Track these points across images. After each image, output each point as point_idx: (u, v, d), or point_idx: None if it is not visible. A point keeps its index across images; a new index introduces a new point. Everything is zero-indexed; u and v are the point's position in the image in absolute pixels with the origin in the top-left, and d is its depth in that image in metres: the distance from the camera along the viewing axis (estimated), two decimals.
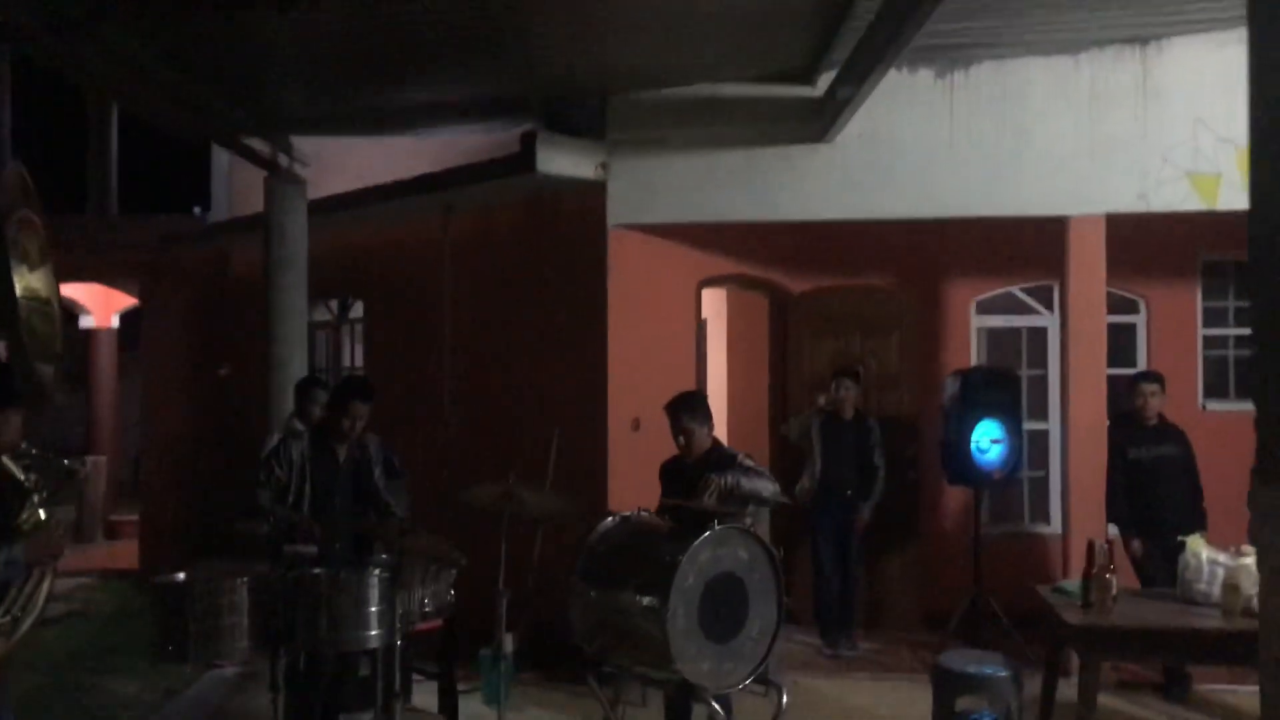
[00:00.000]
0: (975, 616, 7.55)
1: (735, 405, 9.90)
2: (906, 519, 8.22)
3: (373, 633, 4.33)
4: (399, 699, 4.39)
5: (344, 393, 5.24)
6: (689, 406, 5.10)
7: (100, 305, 13.02)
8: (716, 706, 4.46)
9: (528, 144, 7.05)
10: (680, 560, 4.32)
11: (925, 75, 7.20)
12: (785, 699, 4.65)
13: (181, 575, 4.31)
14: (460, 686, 6.72)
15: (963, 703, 4.58)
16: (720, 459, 5.02)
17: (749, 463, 5.00)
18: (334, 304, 10.06)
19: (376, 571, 4.36)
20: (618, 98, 7.30)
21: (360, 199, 8.46)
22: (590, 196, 7.42)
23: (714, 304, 10.21)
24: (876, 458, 7.63)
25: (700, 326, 9.76)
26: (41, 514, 3.69)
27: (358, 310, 9.80)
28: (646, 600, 4.40)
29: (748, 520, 4.64)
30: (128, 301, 12.97)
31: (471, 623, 6.69)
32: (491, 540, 4.92)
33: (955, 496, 8.40)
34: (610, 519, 4.81)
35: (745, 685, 4.57)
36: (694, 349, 8.25)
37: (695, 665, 4.39)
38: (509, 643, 6.67)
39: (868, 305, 8.38)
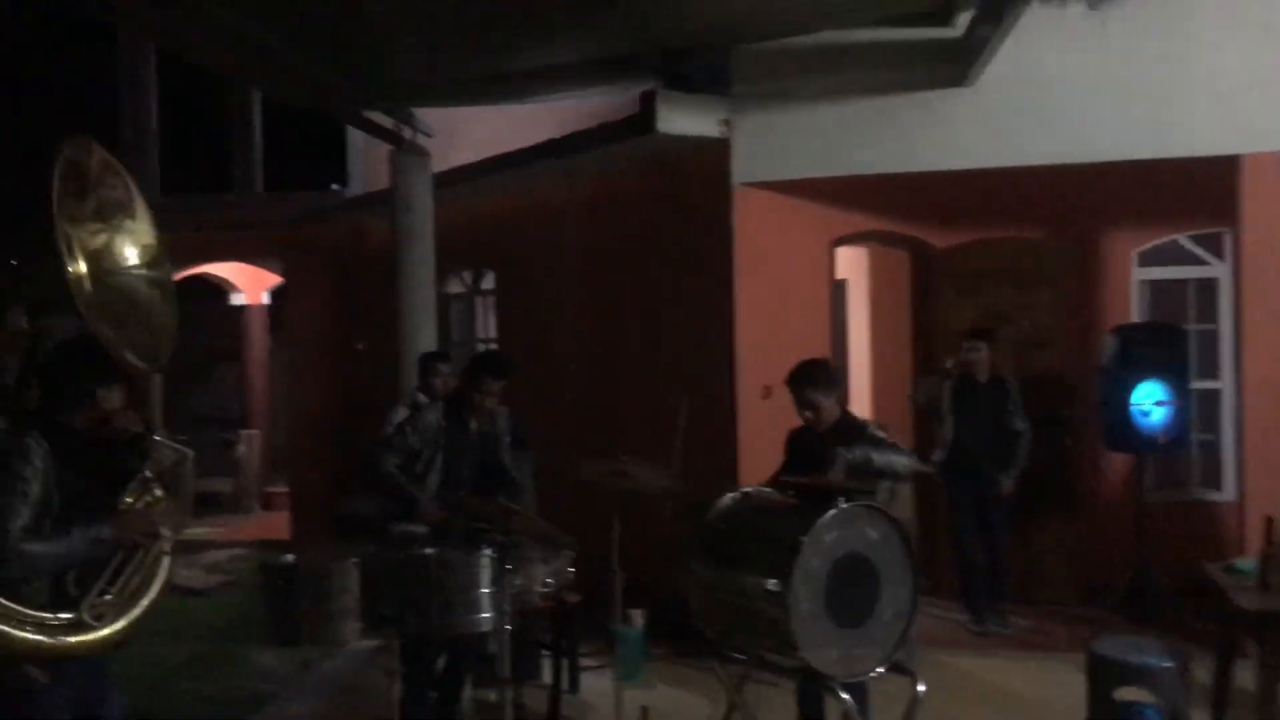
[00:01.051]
0: (1138, 591, 7.02)
1: (879, 369, 9.46)
2: (1062, 486, 7.69)
3: (484, 615, 4.18)
4: (509, 682, 4.22)
5: (477, 369, 5.22)
6: (811, 378, 4.77)
7: (250, 283, 13.37)
8: (846, 697, 4.16)
9: (647, 104, 6.79)
10: (803, 541, 4.03)
11: (1075, 7, 6.62)
12: (922, 688, 4.31)
13: (290, 557, 4.25)
14: (591, 663, 6.62)
15: (1123, 694, 4.16)
16: (849, 430, 4.69)
17: (879, 434, 4.66)
18: (467, 275, 10.03)
19: (488, 552, 4.20)
20: (740, 50, 6.95)
21: (484, 169, 8.36)
22: (714, 155, 7.12)
23: (854, 263, 9.78)
24: (1017, 422, 7.10)
25: (839, 287, 9.37)
26: (157, 493, 3.54)
27: (490, 281, 9.73)
28: (768, 584, 4.12)
29: (882, 495, 4.30)
30: (277, 279, 13.29)
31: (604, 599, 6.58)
32: (623, 513, 4.71)
33: (1116, 462, 7.81)
34: (730, 495, 4.54)
35: (878, 673, 4.26)
36: (828, 311, 7.87)
37: (822, 652, 4.10)
38: (639, 619, 6.58)
39: (1017, 259, 7.83)
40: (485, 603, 4.19)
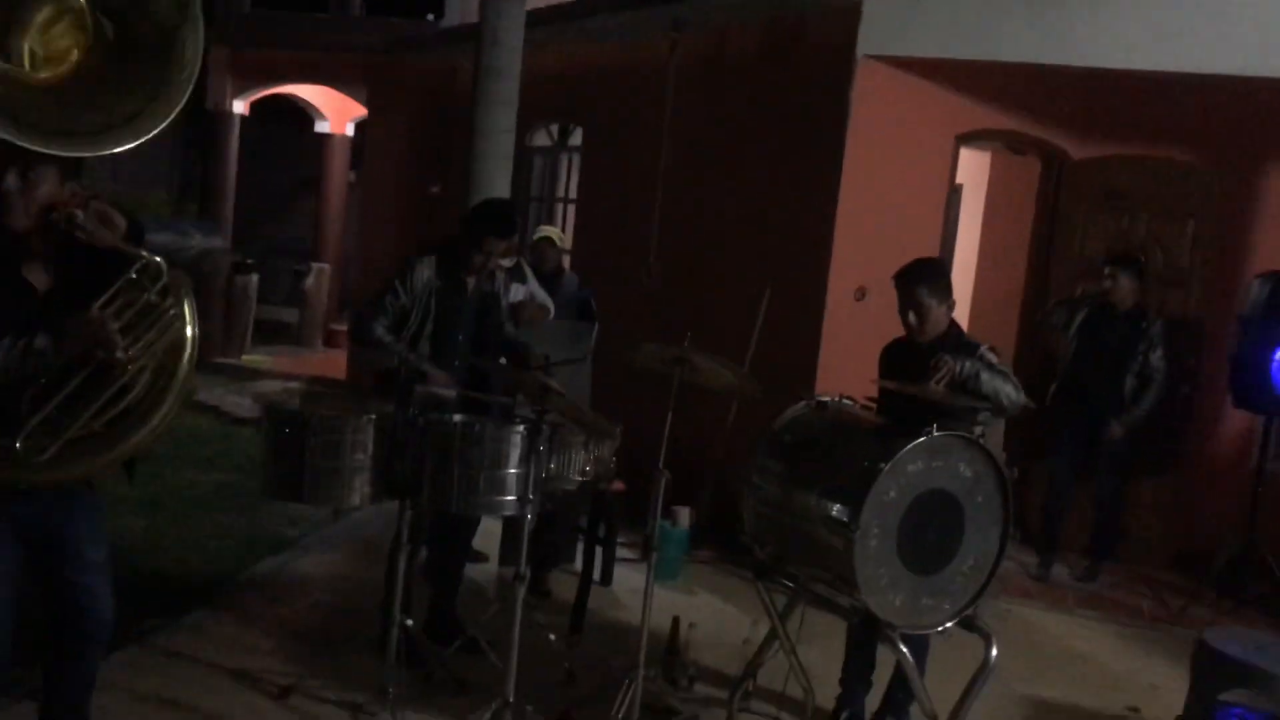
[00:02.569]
0: (1240, 566, 6.32)
1: (982, 289, 8.68)
2: (1169, 440, 6.94)
3: (508, 498, 3.68)
4: (521, 579, 3.73)
5: (480, 224, 4.51)
6: (927, 276, 4.08)
7: (336, 111, 12.85)
8: (904, 650, 3.61)
9: None
10: (882, 468, 3.44)
11: None
12: (994, 652, 3.74)
13: (296, 404, 3.77)
14: (630, 555, 6.19)
15: (1230, 696, 3.55)
16: (958, 346, 4.04)
17: (992, 356, 4.00)
18: (554, 129, 9.37)
19: (520, 428, 3.67)
20: None
21: (584, 8, 7.62)
22: (839, 21, 6.32)
23: (974, 169, 8.92)
24: (1155, 360, 6.35)
25: (953, 193, 8.56)
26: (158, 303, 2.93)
27: (578, 138, 9.07)
28: (834, 509, 3.55)
29: (977, 430, 3.67)
30: (364, 111, 12.76)
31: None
32: (684, 404, 4.13)
33: (1239, 421, 7.00)
34: (802, 403, 3.94)
35: (945, 628, 3.70)
36: (942, 215, 7.10)
37: (885, 598, 3.55)
38: (685, 518, 6.08)
39: (1162, 182, 6.95)
40: (511, 484, 3.68)
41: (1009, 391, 3.86)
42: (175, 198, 15.25)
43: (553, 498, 4.05)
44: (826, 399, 3.95)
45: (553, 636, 4.36)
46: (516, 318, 5.35)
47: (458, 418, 3.95)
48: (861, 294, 6.50)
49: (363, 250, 11.66)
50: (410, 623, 3.99)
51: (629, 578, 5.90)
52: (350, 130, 12.93)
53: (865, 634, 3.74)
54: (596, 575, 5.44)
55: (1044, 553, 6.58)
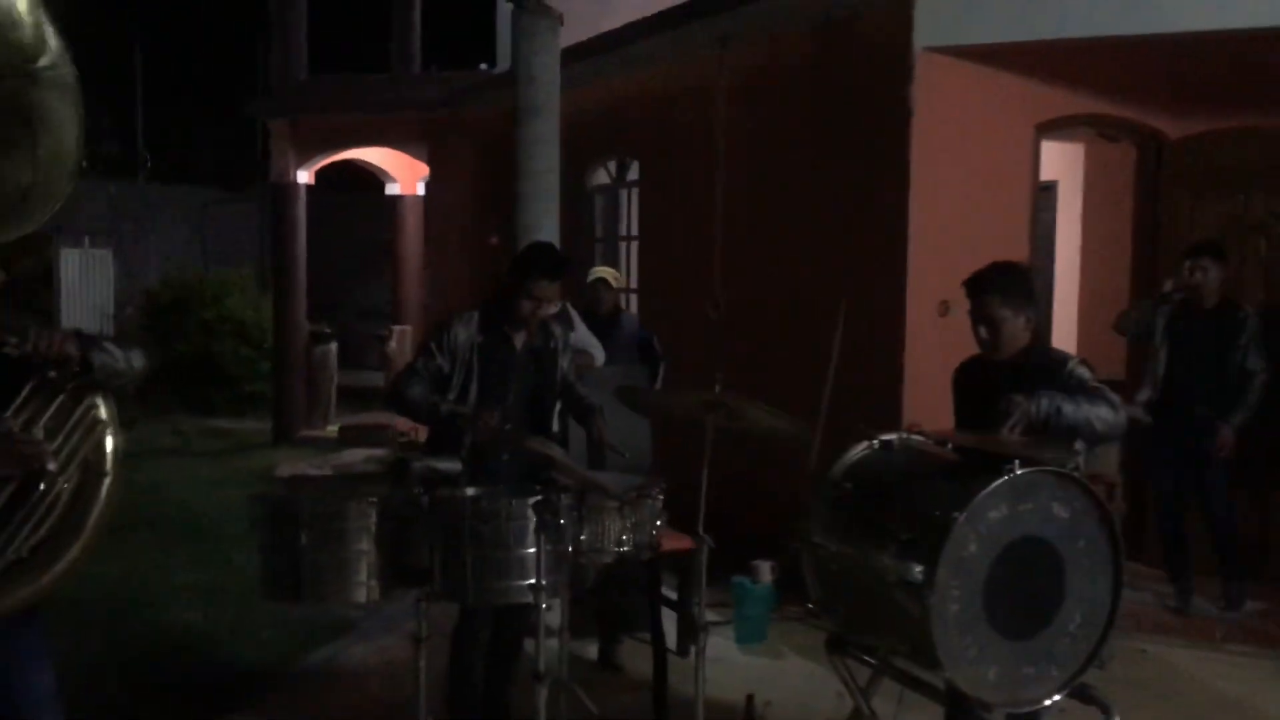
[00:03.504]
0: None
1: (1088, 290, 7.99)
2: None
3: (524, 583, 3.21)
4: (539, 678, 3.25)
5: (526, 266, 4.02)
6: (999, 282, 3.51)
7: (405, 173, 12.71)
8: None
9: None
10: (957, 518, 2.89)
11: None
12: None
13: (290, 490, 3.38)
14: (713, 617, 5.66)
15: None
16: (1040, 365, 3.46)
17: (1082, 372, 3.40)
18: (611, 165, 8.99)
19: (536, 499, 3.21)
20: None
21: (624, 36, 7.23)
22: (893, 14, 5.79)
23: (1067, 162, 8.27)
24: (1251, 360, 5.63)
25: (1048, 191, 7.90)
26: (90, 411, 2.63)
27: (635, 171, 8.66)
28: (904, 570, 3.00)
29: (1075, 460, 3.07)
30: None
31: (742, 533, 5.58)
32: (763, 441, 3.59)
33: None
34: (864, 444, 3.40)
35: (1053, 701, 3.10)
36: (1029, 214, 6.45)
37: (974, 670, 2.98)
38: (767, 572, 5.54)
39: (1275, 153, 6.20)
40: (529, 566, 3.22)
41: (1102, 414, 3.25)
42: (259, 273, 15.38)
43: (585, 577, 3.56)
44: (892, 437, 3.40)
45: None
46: None
47: (471, 491, 3.51)
48: (945, 308, 5.89)
49: (433, 305, 11.43)
50: None
51: (710, 645, 5.36)
52: (421, 190, 12.77)
53: (959, 714, 3.15)
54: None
55: (1176, 580, 5.84)
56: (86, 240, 16.04)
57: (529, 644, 4.35)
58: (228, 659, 5.27)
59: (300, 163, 11.57)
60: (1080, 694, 3.12)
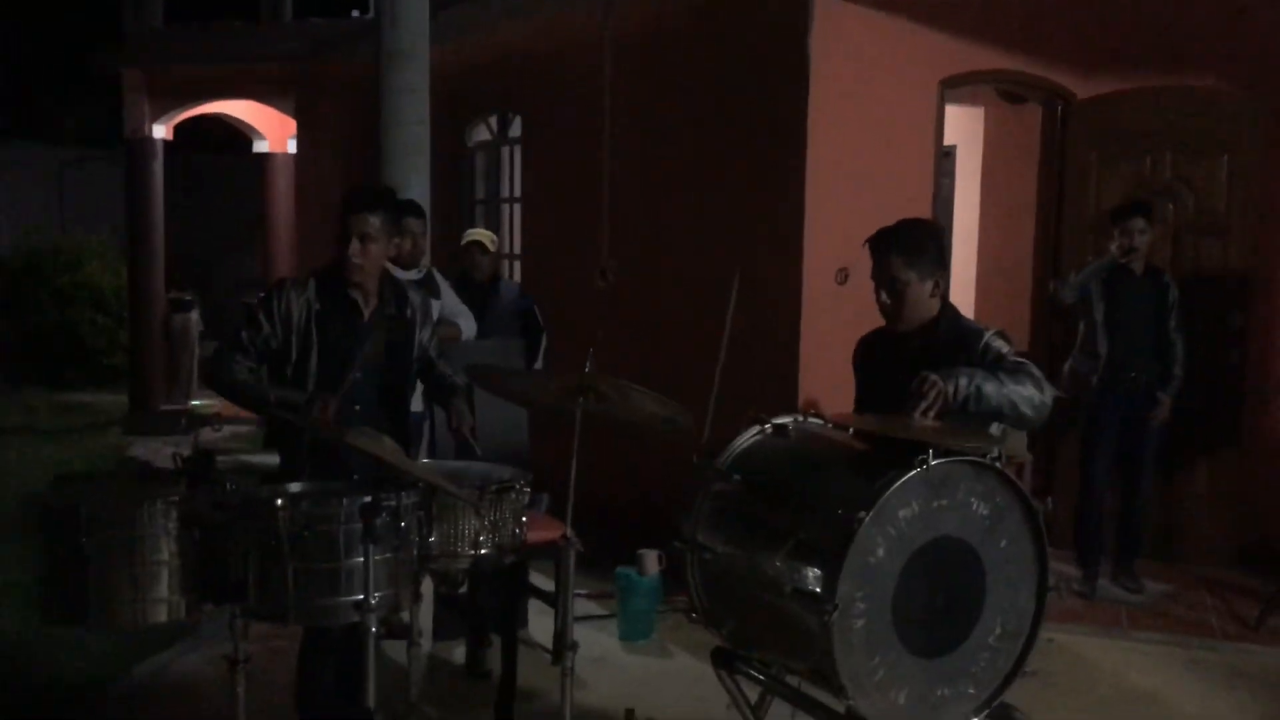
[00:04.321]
0: None
1: (987, 261, 7.70)
2: (1223, 417, 5.93)
3: (351, 599, 2.68)
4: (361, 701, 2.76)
5: (342, 206, 3.44)
6: (904, 241, 3.08)
7: (275, 129, 11.85)
8: None
9: None
10: (862, 518, 2.45)
11: None
12: None
13: (66, 491, 2.80)
14: (598, 610, 5.24)
15: None
16: (953, 338, 3.05)
17: (1000, 345, 3.00)
18: (493, 121, 8.40)
19: (363, 500, 2.68)
20: None
21: None
22: None
23: (967, 127, 7.95)
24: (1173, 329, 5.44)
25: (946, 157, 7.57)
26: None
27: (519, 128, 8.09)
28: (801, 578, 2.56)
29: (994, 451, 2.66)
30: None
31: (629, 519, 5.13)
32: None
33: None
34: (755, 428, 2.95)
35: None
36: (932, 177, 6.08)
37: (882, 696, 2.55)
38: (653, 563, 5.07)
39: (1186, 115, 5.92)
40: (354, 580, 2.70)
41: (1027, 394, 2.85)
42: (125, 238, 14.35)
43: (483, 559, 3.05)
44: (787, 421, 2.95)
45: None
46: None
47: (296, 487, 2.97)
48: (844, 276, 5.53)
49: (304, 269, 10.68)
50: None
51: (592, 642, 4.91)
52: (292, 148, 11.95)
53: None
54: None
55: (1087, 565, 5.58)
56: None
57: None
58: (48, 671, 4.62)
59: (156, 116, 10.69)
60: (1001, 717, 2.72)
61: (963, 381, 2.78)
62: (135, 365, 11.01)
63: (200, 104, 11.06)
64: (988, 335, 3.01)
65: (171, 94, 10.65)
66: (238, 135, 12.36)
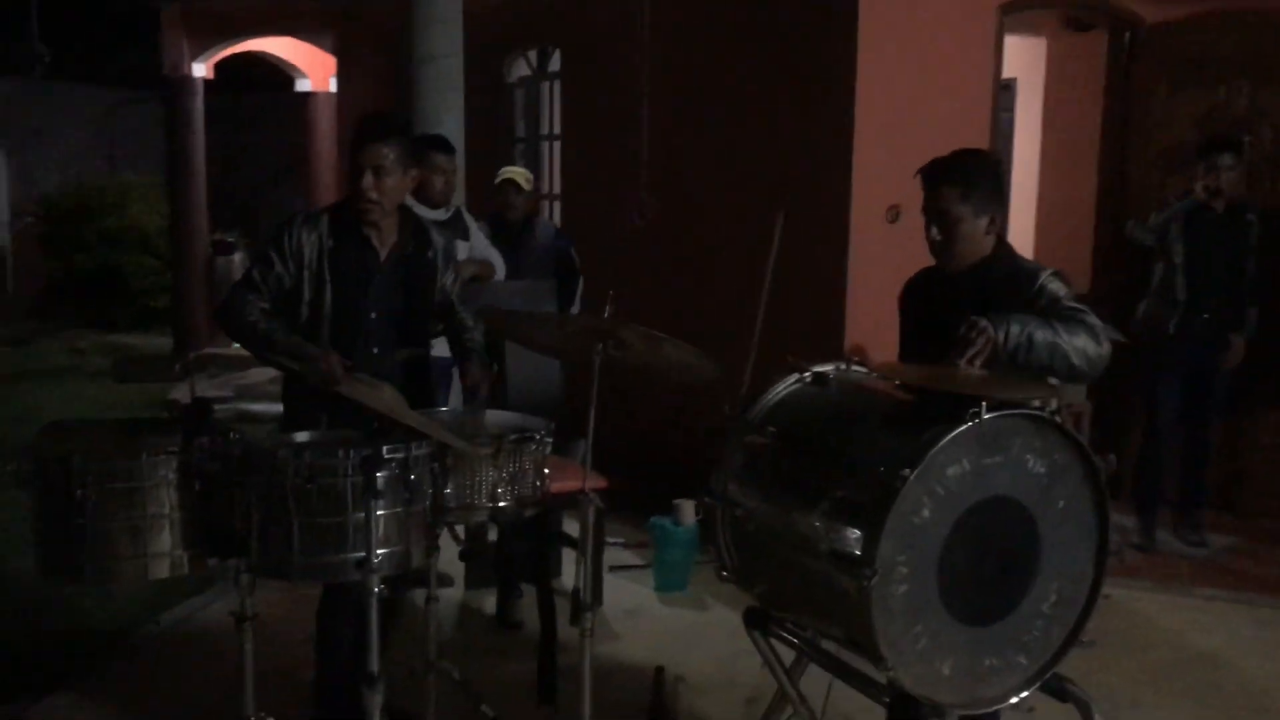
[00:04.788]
0: None
1: (1048, 204, 7.34)
2: None
3: (353, 556, 2.52)
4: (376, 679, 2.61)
5: (353, 137, 3.21)
6: (959, 173, 2.82)
7: (316, 67, 11.68)
8: None
9: None
10: (906, 476, 2.24)
11: None
12: None
13: (59, 439, 2.67)
14: (635, 560, 5.10)
15: None
16: (1008, 278, 2.80)
17: (1057, 288, 2.74)
18: (533, 56, 8.14)
19: (363, 453, 2.51)
20: None
21: None
22: None
23: (1028, 59, 7.54)
24: (1252, 268, 5.16)
25: (1006, 90, 7.19)
26: None
27: (558, 63, 7.82)
28: (839, 541, 2.36)
29: (1053, 403, 2.43)
30: None
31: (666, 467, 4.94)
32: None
33: None
34: (793, 377, 2.74)
35: (1024, 699, 2.51)
36: (990, 110, 5.76)
37: (925, 666, 2.36)
38: (691, 513, 4.92)
39: (1264, 40, 5.54)
40: (355, 535, 2.54)
41: (1080, 345, 2.60)
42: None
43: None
44: (828, 369, 2.74)
45: (489, 712, 3.22)
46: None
47: (300, 437, 2.81)
48: (895, 214, 5.26)
49: None
50: None
51: (626, 593, 4.79)
52: (334, 86, 11.77)
53: (903, 714, 2.55)
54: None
55: (1146, 516, 5.33)
56: None
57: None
58: (73, 619, 4.56)
59: (195, 54, 10.54)
60: (1054, 690, 2.52)
61: (1014, 329, 2.54)
62: (178, 308, 10.99)
63: (239, 41, 10.88)
64: (1043, 275, 2.76)
65: (210, 30, 10.48)
66: (280, 74, 12.19)
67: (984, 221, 2.80)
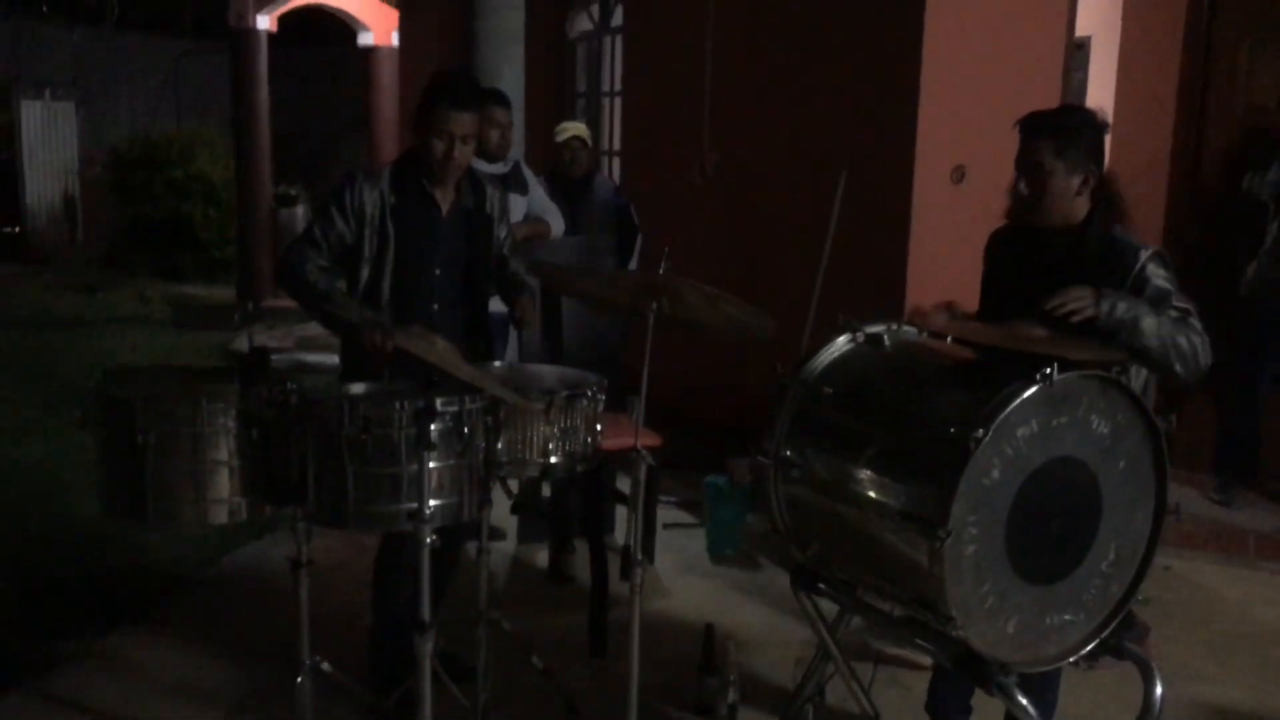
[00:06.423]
0: None
1: (1122, 166, 7.07)
2: None
3: (406, 506, 2.54)
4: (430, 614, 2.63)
5: (431, 97, 3.17)
6: (1055, 126, 2.72)
7: (379, 21, 11.72)
8: (1025, 703, 2.38)
9: None
10: (979, 437, 2.19)
11: None
12: (1160, 690, 2.50)
13: (124, 383, 2.70)
14: (688, 519, 5.09)
15: None
16: (1104, 250, 2.68)
17: (1160, 280, 2.62)
18: (594, 9, 8.06)
19: (417, 404, 2.51)
20: None
21: None
22: None
23: (1104, 19, 7.32)
24: None
25: (1080, 50, 6.98)
26: None
27: (620, 17, 7.75)
28: (907, 504, 2.33)
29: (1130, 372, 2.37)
30: None
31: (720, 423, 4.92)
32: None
33: None
34: (845, 337, 2.69)
35: (1081, 658, 2.47)
36: (1060, 71, 5.59)
37: (991, 625, 2.33)
38: (745, 471, 4.88)
39: None
40: (410, 486, 2.55)
41: (1185, 348, 2.53)
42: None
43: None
44: (880, 329, 2.68)
45: (539, 663, 3.24)
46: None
47: (357, 388, 2.82)
48: (960, 175, 5.15)
49: None
50: (326, 666, 2.93)
51: (678, 551, 4.78)
52: (397, 40, 11.78)
53: (956, 675, 2.51)
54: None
55: (1227, 477, 5.29)
56: (47, 92, 15.07)
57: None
58: (139, 559, 4.66)
59: (260, 6, 10.60)
60: (1111, 648, 2.47)
61: (1121, 306, 2.48)
62: (243, 259, 11.13)
63: None
64: (1145, 255, 2.65)
65: None
66: (343, 28, 12.23)
67: (1076, 180, 2.70)
